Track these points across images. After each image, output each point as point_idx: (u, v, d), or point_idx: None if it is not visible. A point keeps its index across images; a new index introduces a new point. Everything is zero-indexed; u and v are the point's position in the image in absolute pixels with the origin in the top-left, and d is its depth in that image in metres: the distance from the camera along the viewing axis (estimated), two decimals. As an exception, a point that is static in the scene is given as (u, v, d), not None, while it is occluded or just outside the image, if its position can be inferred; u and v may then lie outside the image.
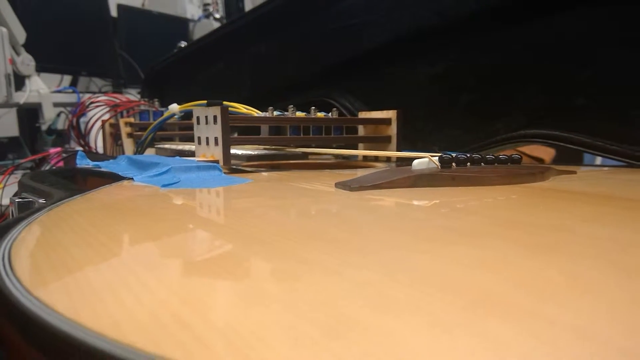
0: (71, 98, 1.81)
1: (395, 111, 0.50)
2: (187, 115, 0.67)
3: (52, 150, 0.91)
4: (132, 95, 1.86)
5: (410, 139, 0.72)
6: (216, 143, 0.42)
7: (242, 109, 0.52)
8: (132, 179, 0.33)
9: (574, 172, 0.36)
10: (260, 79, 0.94)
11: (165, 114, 0.62)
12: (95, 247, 0.15)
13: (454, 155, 0.31)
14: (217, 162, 0.41)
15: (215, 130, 0.42)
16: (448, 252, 0.14)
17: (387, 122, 0.51)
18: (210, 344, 0.09)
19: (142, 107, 0.79)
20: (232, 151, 0.42)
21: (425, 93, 0.72)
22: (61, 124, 1.82)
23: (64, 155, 0.84)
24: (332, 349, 0.08)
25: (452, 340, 0.09)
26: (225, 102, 0.53)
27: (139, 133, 0.75)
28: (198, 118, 0.45)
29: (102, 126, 0.82)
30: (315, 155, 0.51)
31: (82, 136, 0.84)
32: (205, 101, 0.55)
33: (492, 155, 0.32)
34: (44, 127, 1.59)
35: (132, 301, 0.10)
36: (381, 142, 0.51)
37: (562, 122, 0.57)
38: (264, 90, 0.93)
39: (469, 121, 0.66)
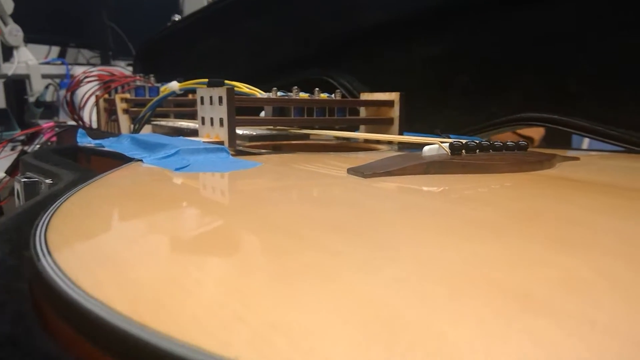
0: (60, 70, 1.78)
1: (398, 93, 0.50)
2: (184, 91, 0.67)
3: (45, 125, 0.90)
4: (122, 67, 1.83)
5: (408, 120, 0.72)
6: (221, 124, 0.42)
7: (244, 88, 0.52)
8: (141, 160, 0.33)
9: (578, 159, 0.37)
10: (256, 55, 0.94)
11: (164, 91, 0.62)
12: (140, 243, 0.15)
13: (463, 141, 0.31)
14: (222, 143, 0.41)
15: (221, 112, 0.41)
16: (475, 248, 0.15)
17: (389, 104, 0.51)
18: (274, 342, 0.09)
19: (138, 83, 0.78)
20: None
21: (422, 74, 0.72)
22: (50, 96, 1.79)
23: (57, 130, 0.83)
24: (389, 346, 0.09)
25: (504, 341, 0.09)
26: (227, 82, 0.53)
27: (135, 109, 0.74)
28: (202, 98, 0.44)
29: (97, 102, 0.81)
30: (317, 136, 0.51)
31: (76, 111, 0.83)
32: (206, 79, 0.55)
33: (500, 142, 0.33)
34: (32, 100, 1.56)
35: (192, 301, 0.11)
36: (383, 124, 0.51)
37: (559, 106, 0.57)
38: (260, 67, 0.92)
39: (467, 103, 0.66)
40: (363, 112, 0.53)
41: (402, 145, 0.48)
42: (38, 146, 0.77)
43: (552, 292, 0.11)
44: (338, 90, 0.50)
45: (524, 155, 0.32)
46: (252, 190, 0.25)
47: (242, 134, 0.54)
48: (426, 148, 0.31)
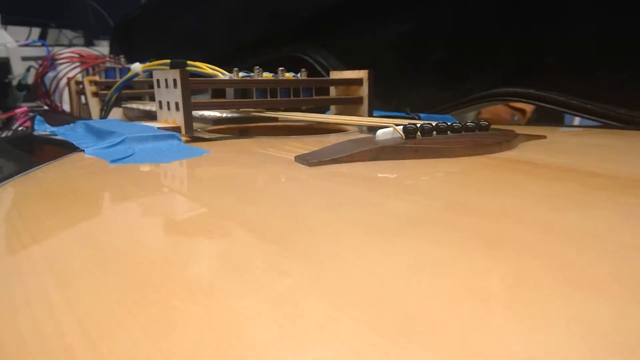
0: (40, 52, 1.74)
1: (366, 71, 0.48)
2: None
3: (18, 110, 0.88)
4: (105, 47, 1.79)
5: (386, 97, 0.70)
6: (177, 108, 0.40)
7: (206, 69, 0.50)
8: (83, 150, 0.32)
9: (544, 137, 0.35)
10: (231, 33, 0.91)
11: (129, 74, 0.60)
12: (17, 251, 0.14)
13: (418, 124, 0.30)
14: (178, 128, 0.40)
15: (176, 95, 0.40)
16: (395, 250, 0.13)
17: (358, 82, 0.49)
18: None
19: (108, 65, 0.75)
20: (200, 113, 0.40)
21: (397, 50, 0.70)
22: (32, 79, 1.76)
23: (31, 114, 0.81)
24: None
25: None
26: (190, 62, 0.51)
27: (105, 92, 0.72)
28: (158, 81, 0.42)
29: (68, 84, 0.78)
30: (285, 118, 0.49)
31: (48, 95, 0.80)
32: (168, 60, 0.53)
33: (459, 123, 0.31)
34: (14, 83, 1.54)
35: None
36: (352, 103, 0.49)
37: (535, 81, 0.56)
38: (235, 45, 0.89)
39: (442, 80, 0.65)
40: (333, 92, 0.51)
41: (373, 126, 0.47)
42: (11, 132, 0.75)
43: (434, 309, 0.10)
44: (304, 70, 0.48)
45: (483, 137, 0.30)
46: (178, 185, 0.23)
47: (208, 116, 0.52)
48: (379, 132, 0.29)
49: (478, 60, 0.61)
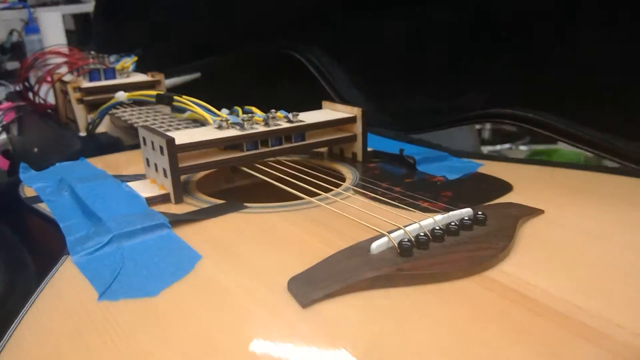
0: (22, 14, 1.67)
1: (360, 110, 0.47)
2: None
3: (3, 106, 0.86)
4: (90, 5, 1.72)
5: (380, 102, 0.68)
6: (165, 175, 0.39)
7: (195, 108, 0.48)
8: (69, 253, 0.31)
9: (542, 212, 0.35)
10: (217, 20, 0.87)
11: (112, 101, 0.58)
12: None
13: (413, 237, 0.29)
14: (167, 195, 0.39)
15: (163, 161, 0.38)
16: None
17: (352, 120, 0.47)
18: None
19: (92, 66, 0.72)
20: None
21: (392, 51, 0.67)
22: (14, 41, 1.69)
23: (18, 115, 0.79)
24: None
25: None
26: (176, 97, 0.49)
27: (90, 98, 0.70)
28: (144, 139, 0.41)
29: (52, 86, 0.76)
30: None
31: (32, 98, 0.77)
32: (153, 92, 0.51)
33: (455, 223, 0.31)
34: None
35: None
36: (346, 141, 0.48)
37: (534, 102, 0.54)
38: (222, 34, 0.86)
39: (438, 90, 0.63)
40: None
41: (366, 162, 0.47)
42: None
43: None
44: (280, 114, 0.45)
45: (480, 245, 0.29)
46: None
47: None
48: (374, 245, 0.29)
49: (476, 73, 0.59)
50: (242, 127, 0.43)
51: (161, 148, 0.38)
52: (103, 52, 0.81)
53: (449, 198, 0.38)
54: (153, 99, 0.51)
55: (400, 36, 0.65)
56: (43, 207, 0.39)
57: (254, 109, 0.48)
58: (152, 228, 0.33)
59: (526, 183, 0.41)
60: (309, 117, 0.47)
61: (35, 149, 0.79)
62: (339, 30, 0.71)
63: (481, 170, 0.45)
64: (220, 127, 0.43)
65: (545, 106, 0.53)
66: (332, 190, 0.40)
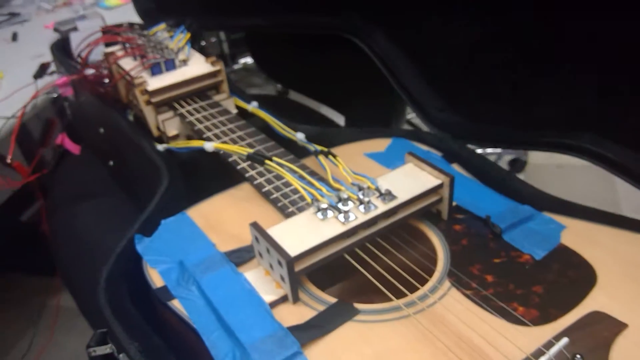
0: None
1: (448, 177, 0.49)
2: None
3: (59, 81, 0.85)
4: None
5: (450, 102, 0.68)
6: (283, 279, 0.43)
7: (288, 176, 0.51)
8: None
9: (625, 326, 0.39)
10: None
11: (198, 145, 0.59)
12: None
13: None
14: (285, 296, 0.44)
15: (282, 271, 0.42)
16: None
17: (438, 187, 0.50)
18: None
19: (153, 61, 0.72)
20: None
21: (462, 58, 0.65)
22: None
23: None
24: None
25: None
26: (268, 162, 0.52)
27: (159, 99, 0.72)
28: (257, 239, 0.44)
29: (109, 65, 0.76)
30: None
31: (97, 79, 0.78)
32: (244, 150, 0.53)
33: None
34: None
35: None
36: (433, 205, 0.51)
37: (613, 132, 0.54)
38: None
39: (507, 110, 0.62)
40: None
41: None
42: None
43: None
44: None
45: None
46: None
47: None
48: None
49: (553, 95, 0.58)
50: (345, 216, 0.45)
51: (280, 262, 0.42)
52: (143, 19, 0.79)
53: (539, 298, 0.42)
54: (244, 152, 0.53)
55: (474, 39, 0.63)
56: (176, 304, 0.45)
57: (332, 181, 0.50)
58: (290, 357, 0.39)
59: (609, 263, 0.44)
60: (396, 184, 0.49)
61: (101, 130, 0.82)
62: (407, 19, 0.68)
63: (564, 239, 0.48)
64: (319, 210, 0.46)
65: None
66: (428, 280, 0.45)
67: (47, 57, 1.14)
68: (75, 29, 1.19)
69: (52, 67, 1.04)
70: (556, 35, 0.55)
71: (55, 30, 1.25)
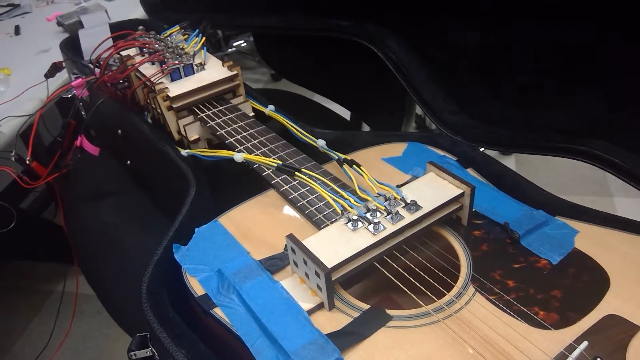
0: None
1: (469, 187, 0.51)
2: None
3: (75, 82, 0.86)
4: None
5: (462, 105, 0.70)
6: (320, 288, 0.46)
7: (317, 187, 0.53)
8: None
9: (639, 329, 0.42)
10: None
11: (226, 155, 0.61)
12: None
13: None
14: (321, 304, 0.47)
15: (319, 281, 0.45)
16: None
17: (460, 196, 0.52)
18: None
19: (172, 67, 0.73)
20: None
21: (476, 62, 0.67)
22: None
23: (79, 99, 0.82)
24: None
25: None
26: (298, 175, 0.54)
27: (181, 104, 0.73)
28: (293, 250, 0.47)
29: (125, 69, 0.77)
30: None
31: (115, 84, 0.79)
32: (273, 162, 0.55)
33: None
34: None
35: None
36: (454, 212, 0.54)
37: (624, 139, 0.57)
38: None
39: (520, 115, 0.65)
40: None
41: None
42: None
43: None
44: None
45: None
46: None
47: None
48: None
49: (565, 100, 0.61)
50: (375, 227, 0.48)
51: (317, 273, 0.45)
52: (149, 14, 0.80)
53: (559, 302, 0.46)
54: (274, 164, 0.55)
55: (485, 45, 0.65)
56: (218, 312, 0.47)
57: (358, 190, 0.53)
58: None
59: (621, 267, 0.48)
60: (420, 193, 0.52)
61: (119, 131, 0.84)
62: (421, 25, 0.70)
63: (577, 244, 0.51)
64: (350, 221, 0.49)
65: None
66: (452, 285, 0.48)
67: (53, 52, 1.14)
68: (79, 23, 1.19)
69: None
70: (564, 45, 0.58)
71: (59, 24, 1.25)
